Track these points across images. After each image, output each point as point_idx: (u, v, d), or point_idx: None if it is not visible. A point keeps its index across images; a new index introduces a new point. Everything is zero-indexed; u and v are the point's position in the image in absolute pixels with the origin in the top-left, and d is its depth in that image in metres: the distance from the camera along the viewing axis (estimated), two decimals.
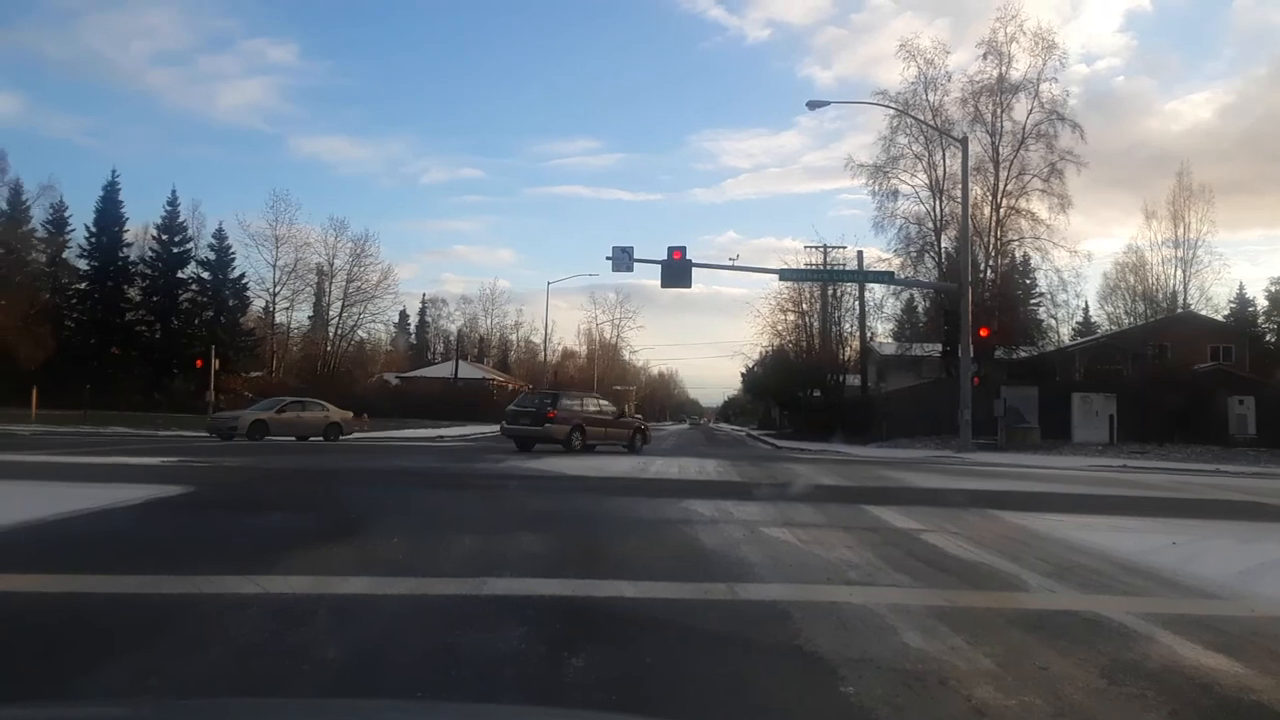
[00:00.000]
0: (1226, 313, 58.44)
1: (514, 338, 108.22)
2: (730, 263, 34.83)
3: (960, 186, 33.62)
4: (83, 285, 62.58)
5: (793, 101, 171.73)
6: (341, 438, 30.26)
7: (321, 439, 29.40)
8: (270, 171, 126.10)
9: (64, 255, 62.21)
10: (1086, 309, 66.12)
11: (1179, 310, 48.48)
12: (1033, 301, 45.29)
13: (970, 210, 34.31)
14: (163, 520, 9.13)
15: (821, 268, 46.94)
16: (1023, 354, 41.93)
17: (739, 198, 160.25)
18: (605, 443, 26.06)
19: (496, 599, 5.44)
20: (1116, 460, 25.58)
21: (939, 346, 40.29)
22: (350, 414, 32.76)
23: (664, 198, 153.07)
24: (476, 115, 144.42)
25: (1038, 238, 39.07)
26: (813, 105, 33.57)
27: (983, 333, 30.54)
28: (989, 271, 39.34)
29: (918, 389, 40.81)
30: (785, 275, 37.96)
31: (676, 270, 30.74)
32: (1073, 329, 58.02)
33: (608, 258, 30.92)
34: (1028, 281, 45.67)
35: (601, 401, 28.50)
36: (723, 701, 3.83)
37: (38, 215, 59.82)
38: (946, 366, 37.65)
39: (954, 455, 27.26)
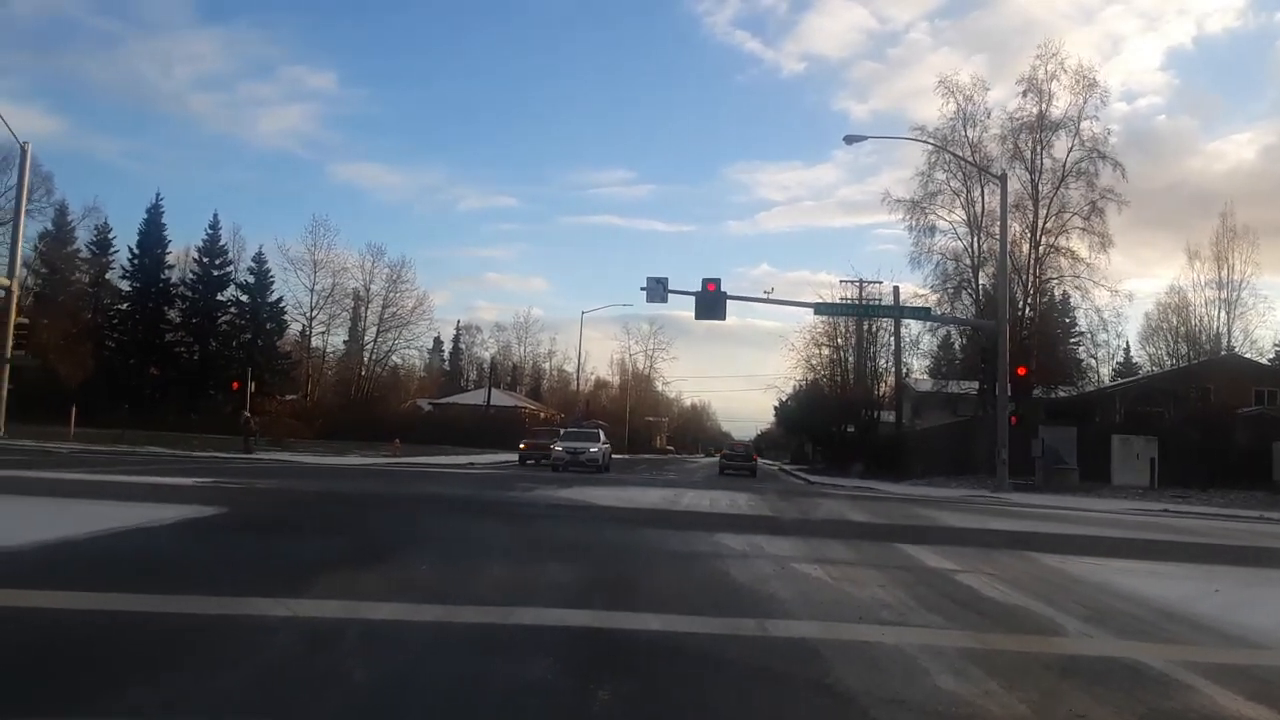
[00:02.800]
0: (1272, 355, 57.30)
1: (547, 366, 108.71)
2: (765, 296, 34.79)
3: (999, 223, 33.45)
4: (124, 306, 63.73)
5: (828, 134, 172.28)
6: None
7: None
8: (309, 197, 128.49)
9: (107, 276, 63.41)
10: (1127, 349, 65.28)
11: (1222, 353, 47.66)
12: (1072, 341, 44.81)
13: (1009, 247, 34.07)
14: (195, 541, 9.18)
15: (857, 302, 46.75)
16: (1061, 394, 41.40)
17: (773, 230, 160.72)
18: None
19: (524, 628, 5.39)
20: (1157, 504, 25.10)
21: (975, 384, 39.95)
22: None
23: (698, 229, 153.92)
24: (512, 144, 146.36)
25: (1078, 276, 38.75)
26: (850, 140, 33.73)
27: (1020, 371, 30.23)
28: (1027, 309, 38.98)
29: (953, 427, 40.41)
30: (820, 309, 37.89)
31: (711, 302, 30.75)
32: (1113, 369, 57.42)
33: (642, 288, 31.09)
34: (1067, 320, 45.22)
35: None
36: None
37: (82, 236, 61.22)
38: (983, 405, 37.30)
39: (990, 495, 26.88)
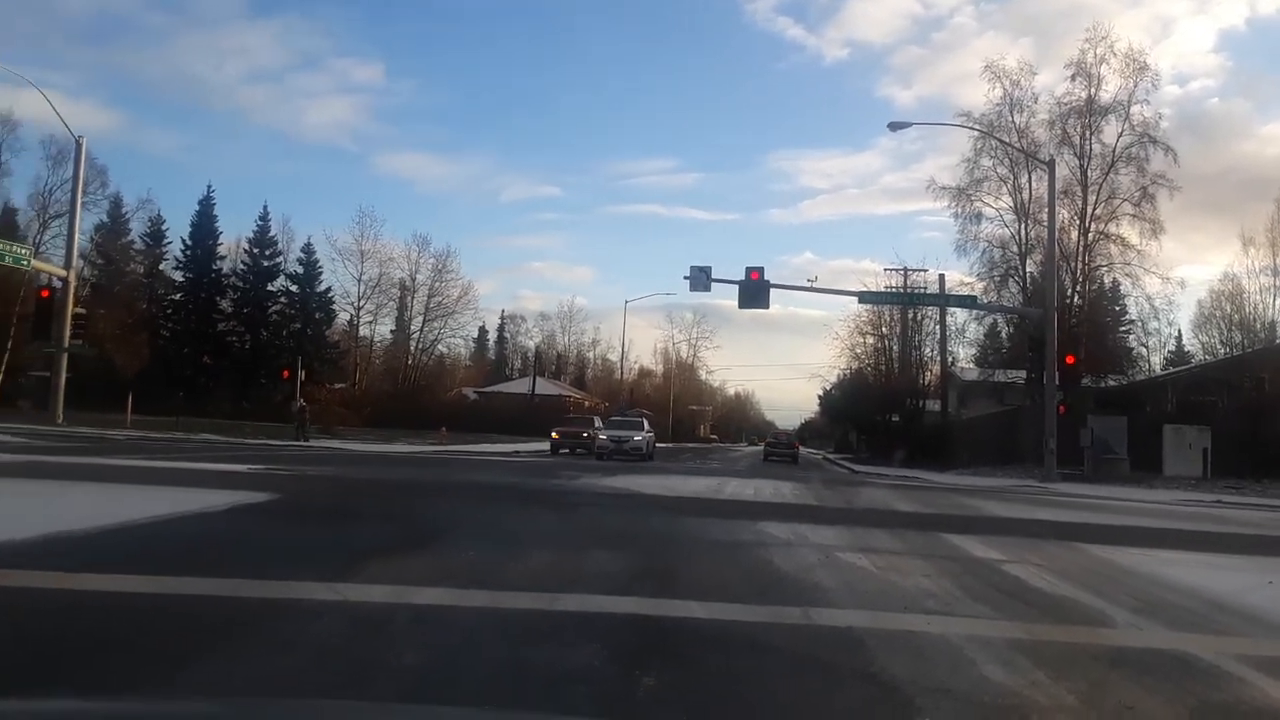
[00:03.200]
0: None
1: (591, 355, 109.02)
2: (808, 284, 34.63)
3: (1047, 210, 32.91)
4: (178, 296, 64.96)
5: (871, 121, 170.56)
6: None
7: None
8: (356, 188, 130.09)
9: (160, 267, 64.62)
10: (1179, 338, 63.98)
11: (1278, 341, 46.60)
12: (1122, 329, 44.02)
13: (1057, 234, 33.54)
14: (247, 526, 9.37)
15: (901, 290, 46.32)
16: (1111, 383, 40.73)
17: (816, 219, 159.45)
18: None
19: (569, 615, 5.45)
20: (1210, 495, 24.63)
21: (1023, 373, 39.39)
22: None
23: (740, 217, 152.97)
24: (556, 134, 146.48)
25: (1128, 263, 37.98)
26: (894, 127, 33.39)
27: (1069, 360, 29.79)
28: (1076, 297, 38.35)
29: (1000, 416, 39.95)
30: (865, 298, 37.61)
31: (754, 291, 30.66)
32: (1164, 358, 56.37)
33: (685, 277, 31.04)
34: (1117, 308, 44.41)
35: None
36: None
37: (137, 228, 62.38)
38: (1030, 394, 36.78)
39: (1037, 485, 26.57)
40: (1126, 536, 12.10)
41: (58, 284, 34.01)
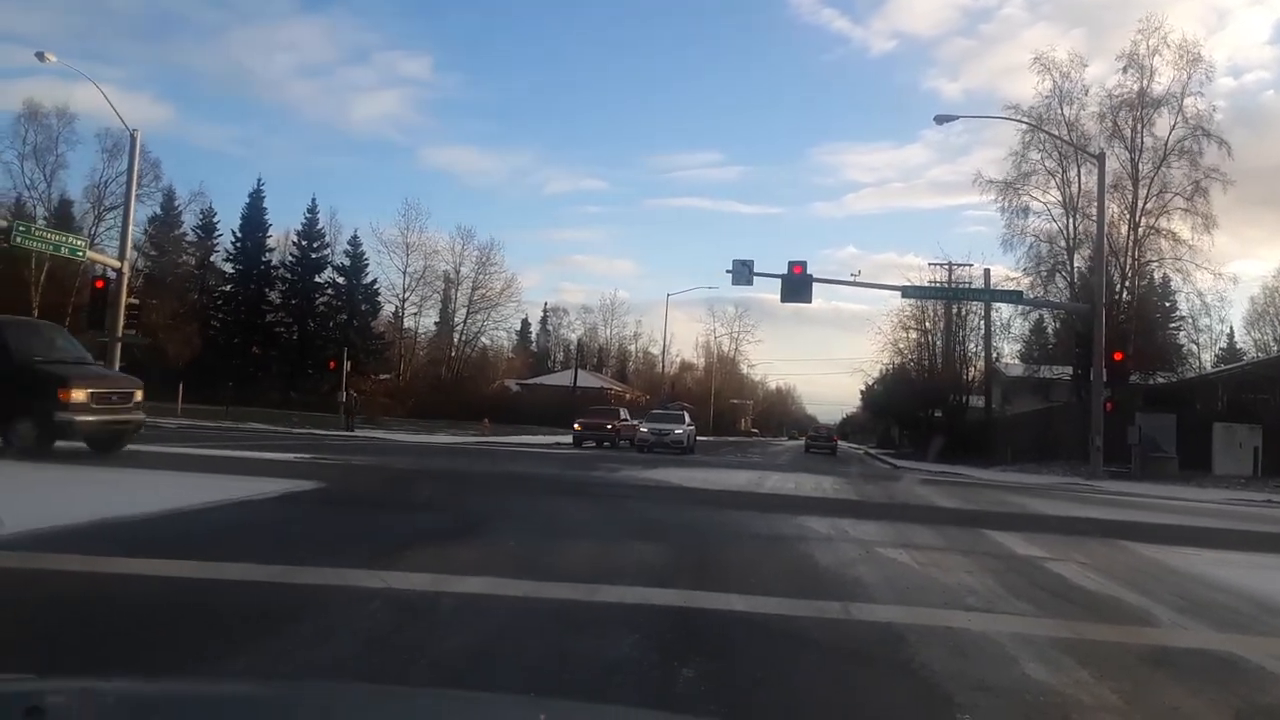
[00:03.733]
0: None
1: (632, 348, 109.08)
2: (852, 279, 34.38)
3: (1096, 204, 32.38)
4: (228, 287, 65.98)
5: (917, 114, 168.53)
6: None
7: None
8: (402, 180, 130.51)
9: (211, 258, 65.66)
10: (1231, 335, 62.73)
11: None
12: (1172, 325, 43.24)
13: (1106, 229, 32.97)
14: (295, 514, 9.54)
15: (946, 285, 45.84)
16: (1160, 380, 40.02)
17: (860, 212, 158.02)
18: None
19: (609, 606, 5.49)
20: (1260, 495, 24.13)
21: (1069, 369, 38.82)
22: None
23: (783, 211, 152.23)
24: (600, 127, 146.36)
25: (1179, 259, 37.24)
26: (941, 120, 32.92)
27: (1117, 356, 29.32)
28: (1125, 293, 37.71)
29: (1045, 413, 39.43)
30: (908, 293, 37.24)
31: (797, 285, 30.51)
32: (1216, 355, 55.23)
33: (728, 271, 30.94)
34: (1167, 304, 43.63)
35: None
36: None
37: (189, 220, 63.34)
38: (1077, 390, 36.23)
39: (1083, 483, 26.20)
40: (1173, 535, 11.93)
41: (112, 275, 34.61)
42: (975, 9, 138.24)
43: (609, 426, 36.94)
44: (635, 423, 38.78)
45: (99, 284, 33.73)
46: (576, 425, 37.40)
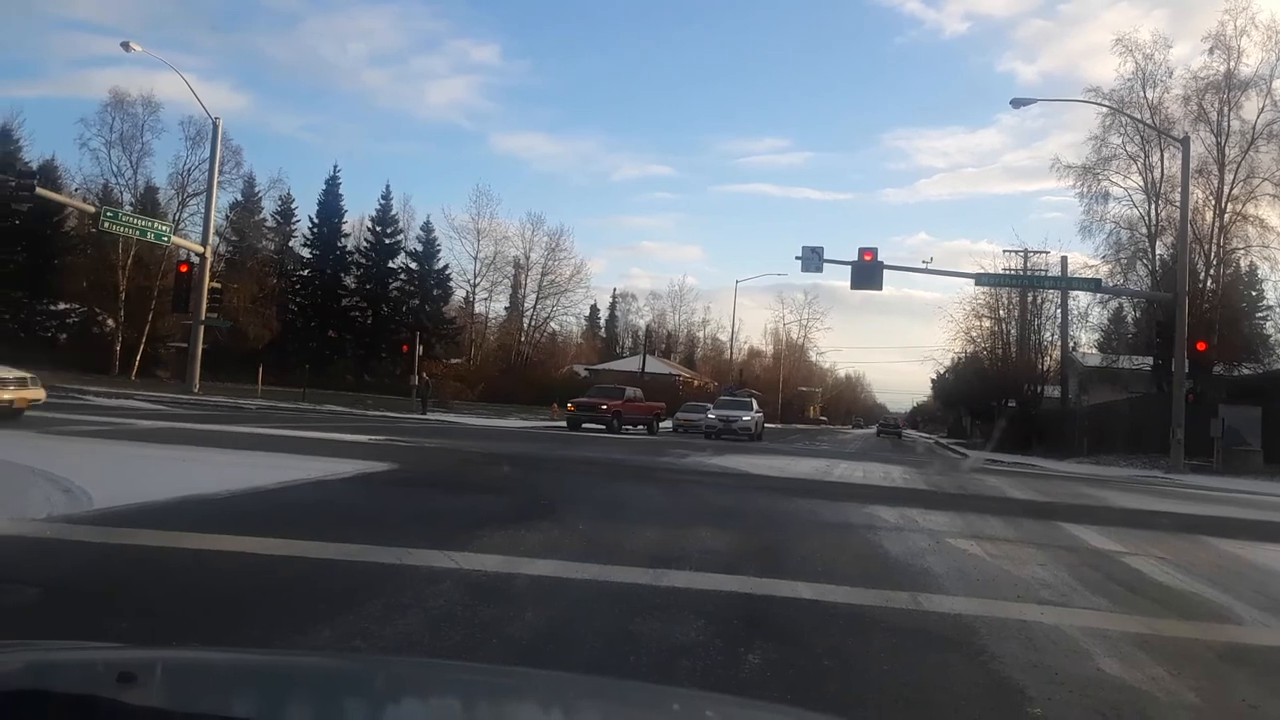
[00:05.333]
0: None
1: (701, 335, 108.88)
2: (923, 265, 33.86)
3: (1179, 190, 31.38)
4: (305, 272, 67.38)
5: (992, 98, 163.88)
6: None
7: None
8: (472, 167, 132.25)
9: (290, 244, 67.14)
10: None
11: None
12: (1259, 314, 41.76)
13: (1190, 215, 31.94)
14: (370, 493, 9.76)
15: (1021, 273, 44.84)
16: (1245, 371, 38.73)
17: (932, 198, 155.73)
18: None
19: (675, 591, 5.53)
20: None
21: (1149, 360, 37.77)
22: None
23: (853, 197, 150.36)
24: (668, 113, 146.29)
25: (1266, 246, 35.94)
26: (1017, 103, 32.13)
27: (1200, 346, 28.45)
28: (1209, 281, 36.51)
29: (1123, 404, 38.42)
30: (982, 280, 36.51)
31: (867, 272, 30.15)
32: None
33: (797, 257, 30.65)
34: (1253, 293, 42.15)
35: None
36: (902, 712, 3.77)
37: (268, 206, 64.74)
38: (1157, 381, 35.24)
39: (1162, 476, 25.52)
40: (1256, 531, 11.57)
41: (195, 259, 35.70)
42: None
43: (604, 407, 33.44)
44: (647, 403, 36.60)
45: (183, 268, 34.80)
46: (570, 406, 34.39)
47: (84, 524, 6.33)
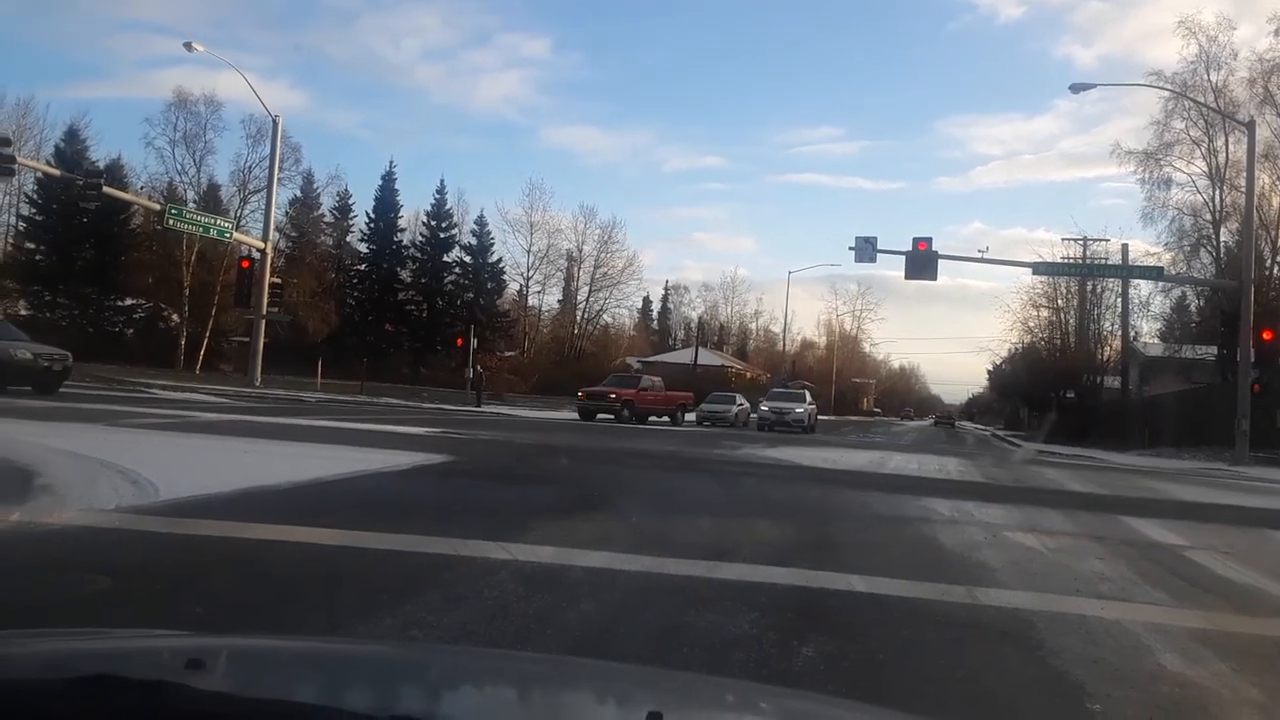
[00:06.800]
0: None
1: (753, 326, 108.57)
2: (979, 255, 33.25)
3: (1244, 175, 30.58)
4: (362, 266, 68.39)
5: (1049, 83, 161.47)
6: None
7: None
8: (525, 160, 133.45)
9: (347, 239, 68.15)
10: None
11: None
12: None
13: (1255, 200, 31.09)
14: (426, 485, 9.90)
15: (1080, 261, 43.99)
16: None
17: (988, 186, 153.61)
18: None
19: (728, 583, 5.53)
20: None
21: (1213, 349, 36.86)
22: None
23: (907, 186, 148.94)
24: (719, 104, 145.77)
25: None
26: (1076, 88, 31.47)
27: (1266, 336, 27.68)
28: (1276, 268, 35.53)
29: (1186, 394, 37.53)
30: (1039, 269, 35.93)
31: (921, 262, 29.81)
32: None
33: (850, 248, 30.38)
34: None
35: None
36: (959, 705, 3.75)
37: (326, 202, 65.79)
38: (1222, 371, 34.37)
39: (1226, 469, 24.92)
40: None
41: (256, 255, 36.41)
42: None
43: (612, 396, 32.03)
44: (670, 392, 35.40)
45: (245, 264, 35.56)
46: (581, 394, 33.37)
47: (151, 514, 6.51)
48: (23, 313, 50.33)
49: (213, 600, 4.58)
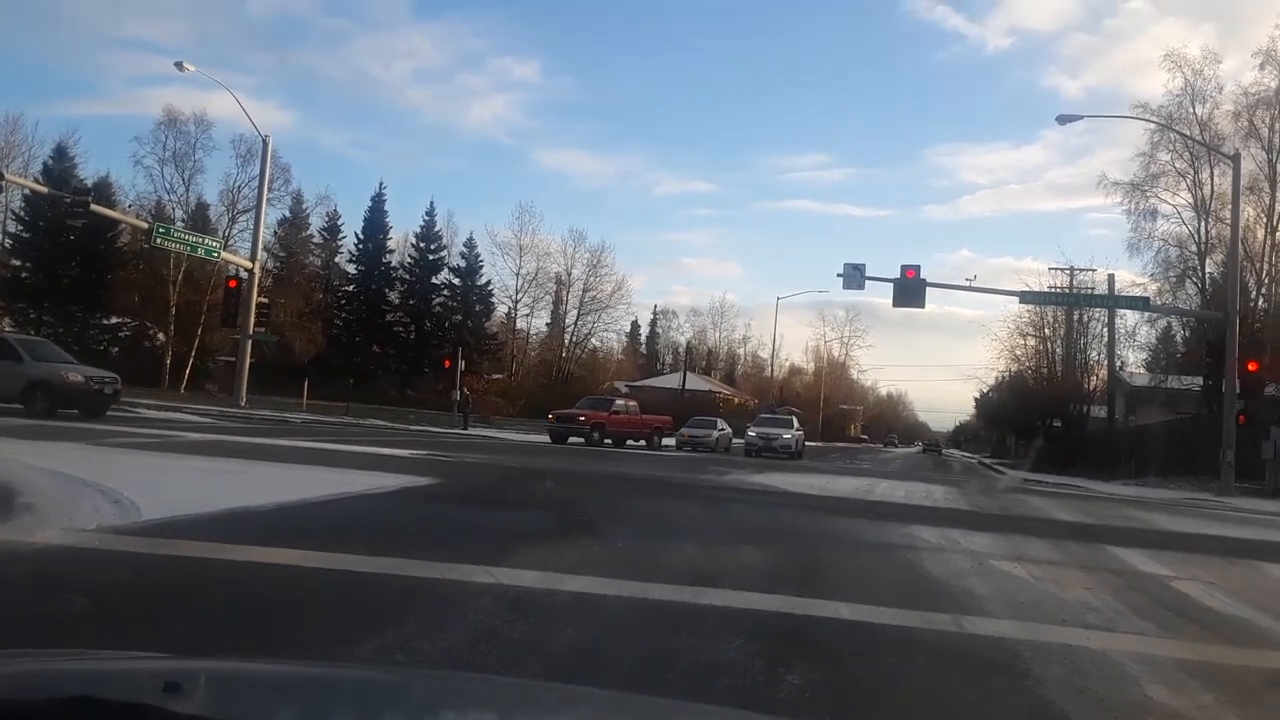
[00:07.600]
0: None
1: (741, 352, 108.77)
2: (966, 283, 33.44)
3: (1230, 207, 30.90)
4: (350, 287, 68.31)
5: (1036, 113, 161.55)
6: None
7: None
8: (514, 183, 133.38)
9: (335, 259, 68.08)
10: None
11: None
12: None
13: (1241, 233, 31.43)
14: (411, 508, 9.84)
15: (1067, 291, 44.26)
16: None
17: (975, 215, 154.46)
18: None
19: (713, 609, 5.51)
20: None
21: (1199, 380, 37.08)
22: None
23: (895, 214, 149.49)
24: (709, 129, 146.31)
25: None
26: (1063, 120, 31.77)
27: (1251, 366, 27.86)
28: (1261, 300, 35.88)
29: (1172, 425, 37.72)
30: (1026, 298, 36.10)
31: (909, 289, 29.93)
32: None
33: (839, 274, 30.48)
34: None
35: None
36: None
37: (315, 222, 65.72)
38: (1207, 402, 34.55)
39: (1212, 499, 24.99)
40: None
41: (244, 274, 36.27)
42: (1098, 3, 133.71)
43: (582, 419, 31.87)
44: (646, 416, 35.25)
45: (232, 283, 35.38)
46: (550, 416, 33.36)
47: (132, 535, 6.45)
48: (7, 329, 50.03)
49: (192, 621, 4.54)
